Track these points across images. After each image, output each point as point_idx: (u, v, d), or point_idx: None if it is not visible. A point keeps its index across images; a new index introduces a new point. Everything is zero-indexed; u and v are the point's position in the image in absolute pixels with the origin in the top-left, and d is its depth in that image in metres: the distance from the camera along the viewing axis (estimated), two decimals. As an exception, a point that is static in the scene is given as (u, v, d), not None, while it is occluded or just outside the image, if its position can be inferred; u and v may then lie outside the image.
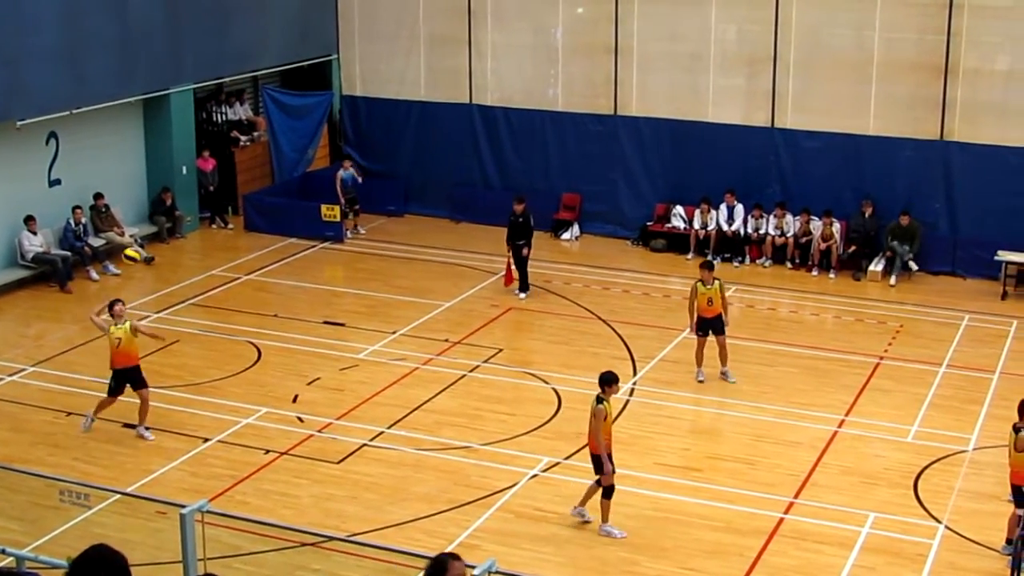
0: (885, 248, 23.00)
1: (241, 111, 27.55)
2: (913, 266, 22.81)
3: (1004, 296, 21.91)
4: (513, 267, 21.70)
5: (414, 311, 20.94)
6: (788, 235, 23.66)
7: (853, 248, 23.14)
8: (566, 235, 25.52)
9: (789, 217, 23.72)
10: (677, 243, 24.53)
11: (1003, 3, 22.88)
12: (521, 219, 21.61)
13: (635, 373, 18.33)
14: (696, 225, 24.32)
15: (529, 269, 21.84)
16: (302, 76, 28.11)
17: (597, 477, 13.79)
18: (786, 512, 14.43)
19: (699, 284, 17.84)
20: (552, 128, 25.95)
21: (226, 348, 19.28)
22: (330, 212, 24.93)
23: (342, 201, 25.43)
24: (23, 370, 18.41)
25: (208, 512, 9.94)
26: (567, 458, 15.59)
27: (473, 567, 8.42)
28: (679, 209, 24.75)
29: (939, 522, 14.17)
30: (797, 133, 24.04)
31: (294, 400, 17.33)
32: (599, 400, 13.63)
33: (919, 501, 14.69)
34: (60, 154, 23.04)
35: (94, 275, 22.45)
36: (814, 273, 23.31)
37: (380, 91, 27.53)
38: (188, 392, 17.58)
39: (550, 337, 20.08)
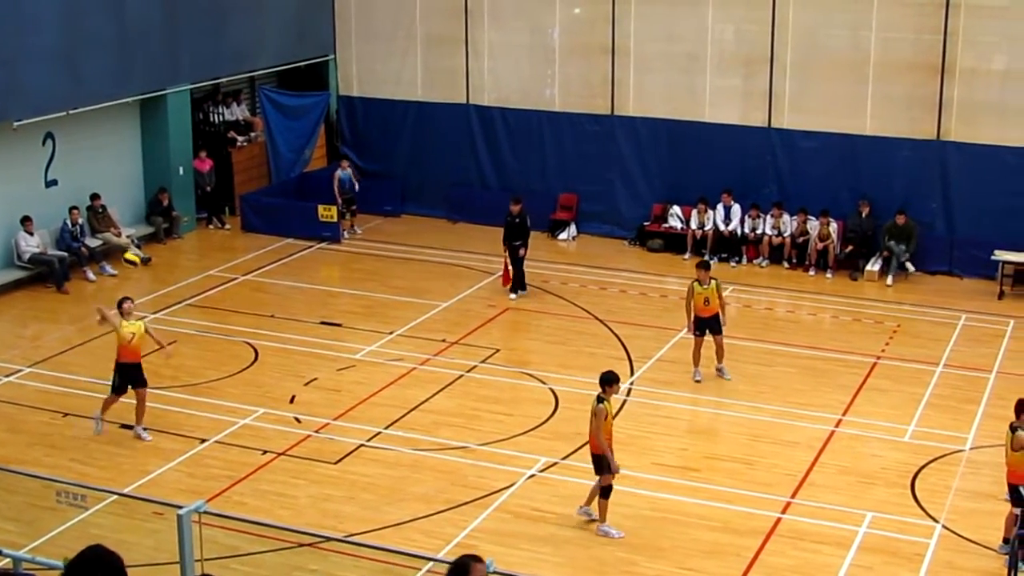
0: (882, 248, 23.01)
1: (238, 111, 27.55)
2: (910, 267, 22.83)
3: (1001, 296, 21.92)
4: (510, 268, 21.69)
5: (411, 311, 20.93)
6: (785, 235, 23.67)
7: (850, 248, 23.14)
8: (563, 235, 25.52)
9: (786, 217, 23.73)
10: (674, 243, 24.53)
11: (1000, 3, 22.90)
12: (518, 220, 21.61)
13: (632, 373, 18.33)
14: (693, 225, 24.32)
15: (526, 269, 21.85)
16: (299, 76, 28.11)
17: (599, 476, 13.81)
18: (783, 512, 14.43)
19: (696, 284, 17.84)
20: (549, 128, 25.95)
21: (223, 349, 19.27)
22: (327, 212, 24.92)
23: (339, 201, 25.43)
24: (20, 371, 18.39)
25: (205, 513, 9.92)
26: (565, 458, 15.59)
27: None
28: (676, 209, 24.75)
29: (936, 521, 14.18)
30: (794, 133, 24.05)
31: (291, 401, 17.33)
32: (600, 400, 13.64)
33: (916, 501, 14.69)
34: (57, 155, 23.03)
35: (91, 276, 22.43)
36: (811, 273, 23.32)
37: (377, 91, 27.51)
38: (185, 393, 17.57)
39: (547, 337, 20.08)
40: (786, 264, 23.67)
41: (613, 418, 14.05)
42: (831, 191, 23.70)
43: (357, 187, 25.88)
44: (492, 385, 18.04)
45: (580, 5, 25.74)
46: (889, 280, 22.72)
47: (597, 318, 20.79)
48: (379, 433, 16.33)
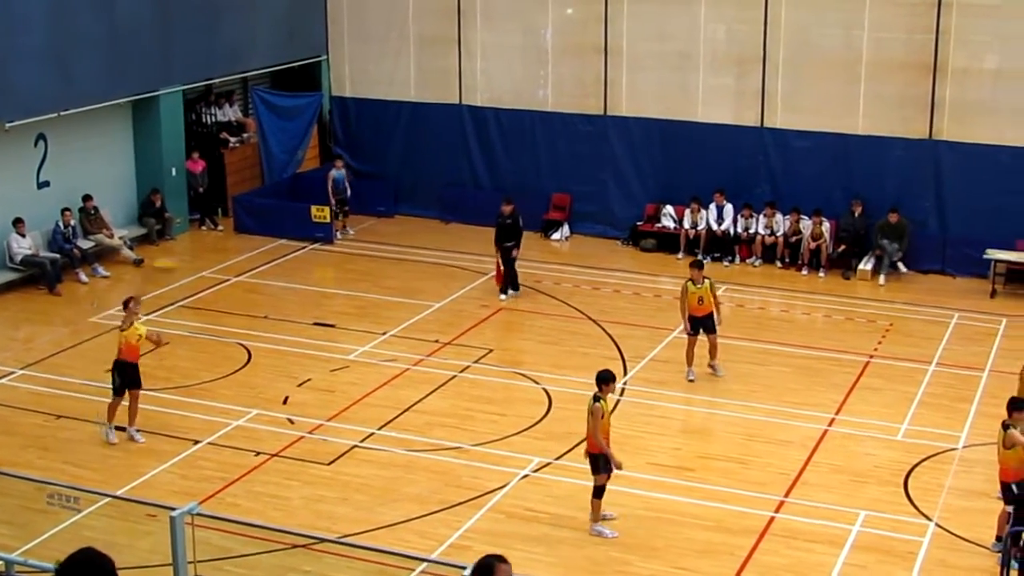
0: (875, 247, 23.04)
1: (231, 112, 27.52)
2: (902, 267, 22.84)
3: (993, 294, 21.95)
4: (502, 268, 21.68)
5: (404, 312, 20.92)
6: (778, 234, 23.69)
7: (843, 247, 23.17)
8: (556, 235, 25.52)
9: (779, 216, 23.75)
10: (667, 243, 24.54)
11: (991, 2, 22.94)
12: (509, 220, 21.60)
13: (626, 373, 18.33)
14: (686, 225, 24.33)
15: (520, 269, 21.85)
16: (292, 77, 28.09)
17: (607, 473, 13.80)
18: (777, 511, 14.44)
19: (689, 283, 17.85)
20: (542, 128, 25.94)
21: (216, 350, 19.25)
22: (320, 213, 24.91)
23: (332, 201, 25.41)
24: (12, 373, 18.36)
25: (198, 515, 9.92)
26: (558, 458, 15.59)
27: (463, 568, 8.40)
28: (669, 209, 24.77)
29: (929, 520, 14.19)
30: (787, 133, 24.06)
31: (284, 402, 17.31)
32: (596, 399, 13.65)
33: (909, 499, 14.71)
34: (49, 156, 22.99)
35: (83, 277, 22.40)
36: (804, 272, 23.35)
37: (370, 92, 27.49)
38: (178, 394, 17.55)
39: (540, 337, 20.08)
40: (779, 263, 23.69)
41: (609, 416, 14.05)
42: (824, 190, 23.73)
43: (349, 191, 25.86)
44: (485, 385, 18.03)
45: (572, 5, 25.73)
46: (882, 279, 22.75)
47: (590, 318, 20.79)
48: (372, 434, 16.32)
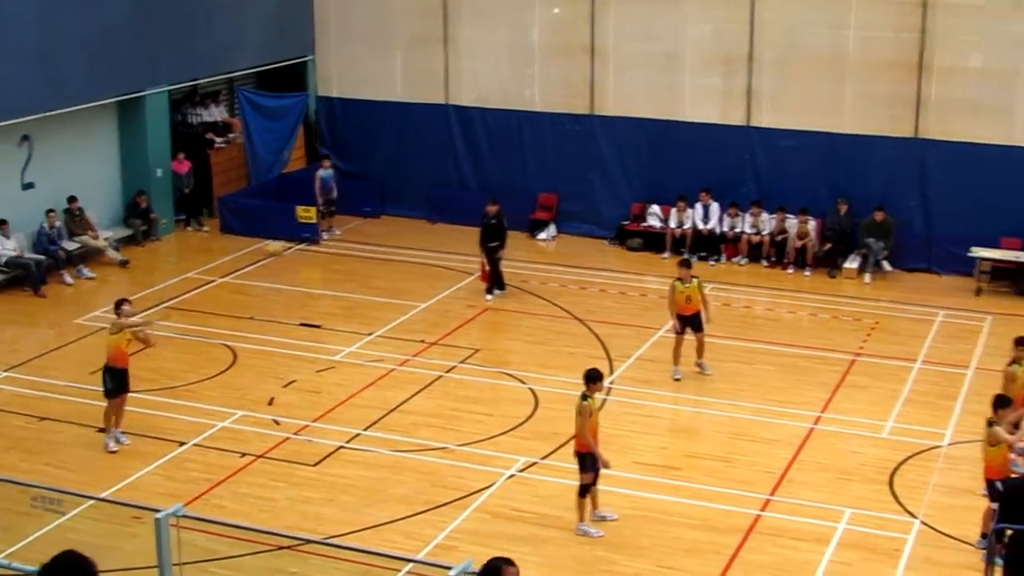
0: (860, 245, 23.08)
1: (216, 113, 27.45)
2: (887, 266, 22.88)
3: (978, 292, 22.01)
4: (487, 268, 21.67)
5: (391, 312, 20.90)
6: (764, 233, 23.72)
7: (829, 246, 23.21)
8: (543, 235, 25.51)
9: (765, 215, 23.78)
10: (653, 242, 24.55)
11: (976, 1, 22.99)
12: (494, 220, 21.57)
13: (612, 372, 18.34)
14: (672, 224, 24.35)
15: (506, 269, 21.85)
16: (278, 77, 28.02)
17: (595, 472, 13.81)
18: (763, 509, 14.46)
19: (677, 282, 17.87)
20: (529, 128, 25.94)
21: (202, 351, 19.20)
22: (306, 214, 24.87)
23: (319, 201, 25.37)
24: (-3, 375, 18.32)
25: (183, 516, 9.88)
26: (544, 458, 15.59)
27: (449, 568, 8.39)
28: (655, 208, 24.78)
29: (915, 517, 14.23)
30: (773, 132, 24.10)
31: (270, 403, 17.27)
32: (584, 397, 13.65)
33: (895, 497, 14.74)
34: (34, 157, 22.92)
35: (68, 279, 22.33)
36: (790, 271, 23.38)
37: (356, 92, 27.46)
38: (164, 396, 17.49)
39: (527, 337, 20.07)
40: (765, 262, 23.72)
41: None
42: (810, 189, 23.77)
43: (336, 191, 25.82)
44: (471, 385, 18.02)
45: (559, 5, 25.73)
46: (867, 277, 22.80)
47: (577, 317, 20.80)
48: (358, 435, 16.30)
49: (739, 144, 24.33)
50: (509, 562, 6.92)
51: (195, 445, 15.99)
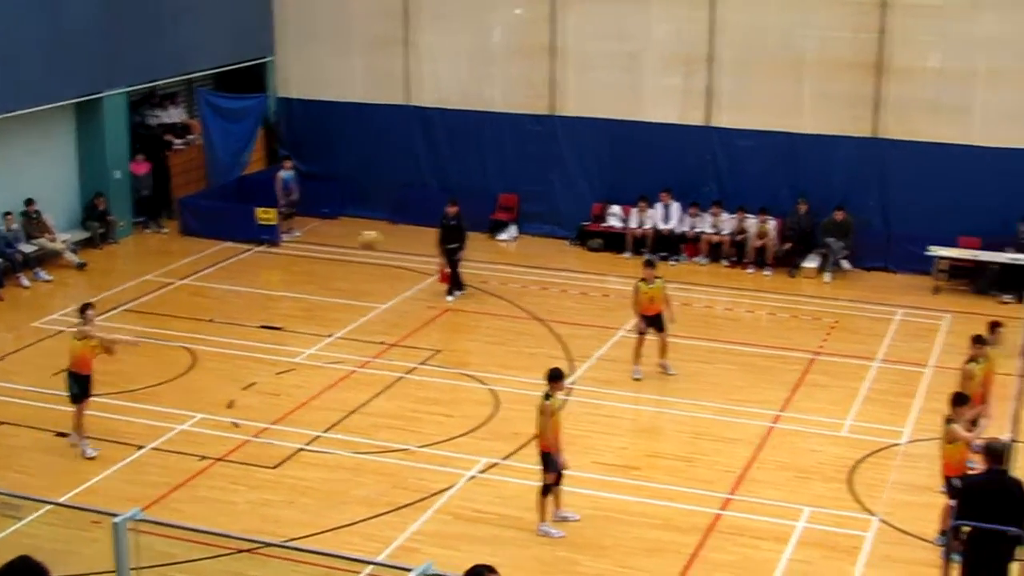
0: (820, 245, 23.22)
1: (175, 114, 27.28)
2: (846, 265, 23.03)
3: (936, 291, 22.18)
4: (446, 269, 21.63)
5: (351, 314, 20.84)
6: (723, 233, 23.82)
7: (788, 245, 23.33)
8: (503, 236, 25.51)
9: (725, 215, 23.88)
10: (614, 242, 24.60)
11: (934, 2, 23.15)
12: (454, 222, 21.54)
13: (573, 372, 18.35)
14: (633, 224, 24.41)
15: (467, 269, 21.84)
16: (237, 79, 27.86)
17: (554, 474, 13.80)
18: (723, 508, 14.51)
19: (641, 283, 17.92)
20: (490, 128, 25.93)
21: (161, 354, 19.05)
22: (265, 215, 24.76)
23: (281, 203, 25.26)
24: (-47, 379, 18.11)
25: (141, 520, 9.80)
26: (505, 459, 15.58)
27: (409, 570, 8.37)
28: (616, 208, 24.84)
29: (873, 515, 14.33)
30: (733, 132, 24.21)
31: (229, 405, 17.17)
32: (547, 397, 13.67)
33: (854, 495, 14.83)
34: (-10, 159, 22.71)
35: (25, 282, 22.12)
36: (749, 271, 23.50)
37: (317, 93, 27.35)
38: (122, 399, 17.34)
39: (487, 338, 20.06)
40: (725, 262, 23.82)
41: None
42: (770, 189, 23.90)
43: (298, 193, 25.71)
44: (432, 387, 17.99)
45: (521, 5, 25.75)
46: (827, 277, 22.94)
47: (537, 318, 20.81)
48: (318, 437, 16.24)
49: (699, 144, 24.42)
50: (491, 569, 6.94)
51: (154, 449, 15.88)
